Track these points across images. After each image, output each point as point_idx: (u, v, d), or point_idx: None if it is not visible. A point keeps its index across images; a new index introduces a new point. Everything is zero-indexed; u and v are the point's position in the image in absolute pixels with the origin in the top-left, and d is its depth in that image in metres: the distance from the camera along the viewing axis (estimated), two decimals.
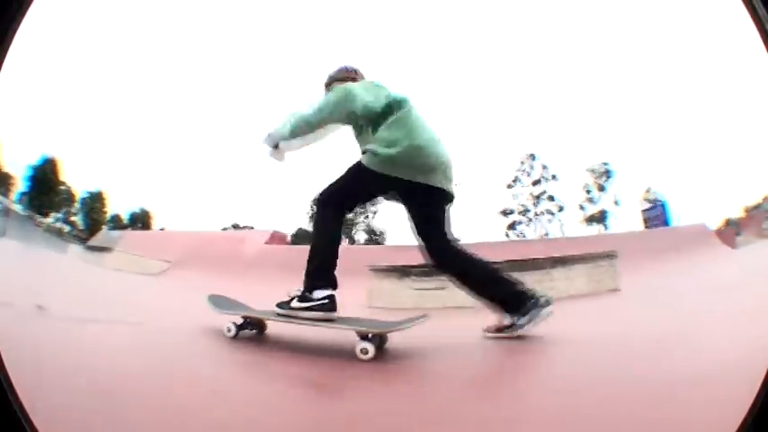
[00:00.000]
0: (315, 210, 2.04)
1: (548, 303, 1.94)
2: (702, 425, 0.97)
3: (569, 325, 2.24)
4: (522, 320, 1.90)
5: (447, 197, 2.04)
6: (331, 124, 2.10)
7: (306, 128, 2.08)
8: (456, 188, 2.04)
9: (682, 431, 0.98)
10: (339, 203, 2.01)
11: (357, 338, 1.68)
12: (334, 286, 1.90)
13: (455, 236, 2.11)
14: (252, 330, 2.00)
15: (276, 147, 2.15)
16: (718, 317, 2.20)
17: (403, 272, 4.53)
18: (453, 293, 2.45)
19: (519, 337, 1.93)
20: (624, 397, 1.22)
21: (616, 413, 1.11)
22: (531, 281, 2.29)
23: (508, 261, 3.96)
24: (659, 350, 1.66)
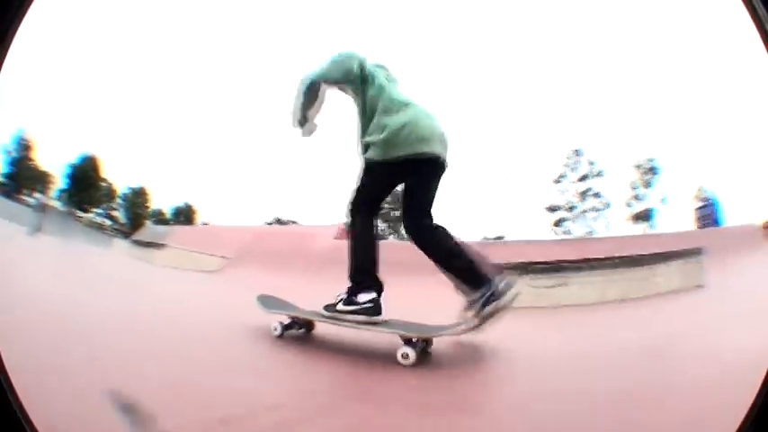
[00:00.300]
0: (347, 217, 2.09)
1: (508, 286, 1.79)
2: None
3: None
4: (475, 296, 1.76)
5: (442, 167, 2.03)
6: (333, 83, 2.12)
7: (314, 87, 2.10)
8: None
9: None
10: (365, 206, 2.05)
11: (400, 342, 1.66)
12: (379, 288, 1.93)
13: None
14: (300, 330, 2.06)
15: (304, 122, 2.16)
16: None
17: (523, 269, 4.34)
18: (570, 292, 2.41)
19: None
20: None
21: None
22: (636, 277, 2.23)
23: (613, 258, 3.97)
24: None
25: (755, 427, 0.62)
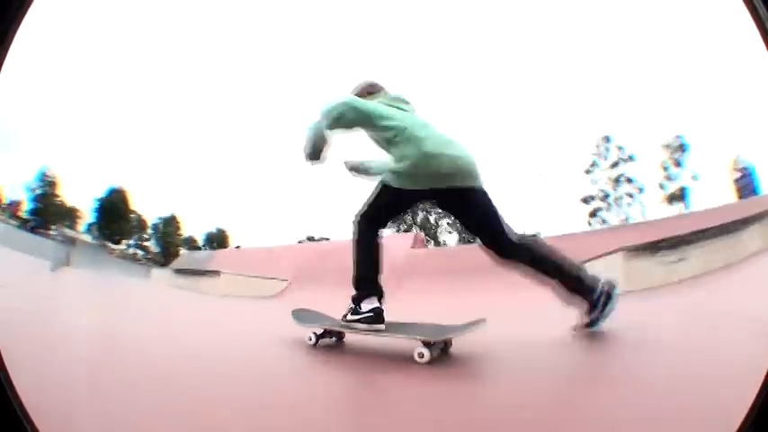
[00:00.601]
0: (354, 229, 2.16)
1: (612, 285, 1.95)
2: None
3: None
4: (593, 315, 1.94)
5: (478, 193, 2.01)
6: (336, 130, 2.10)
7: (317, 137, 2.09)
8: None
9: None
10: (373, 222, 2.13)
11: (418, 343, 1.72)
12: (380, 295, 2.03)
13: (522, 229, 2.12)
14: (332, 338, 2.21)
15: (315, 159, 2.15)
16: None
17: (653, 248, 4.58)
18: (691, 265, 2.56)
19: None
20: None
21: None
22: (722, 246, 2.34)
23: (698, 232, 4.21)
24: None
25: (755, 427, 0.62)
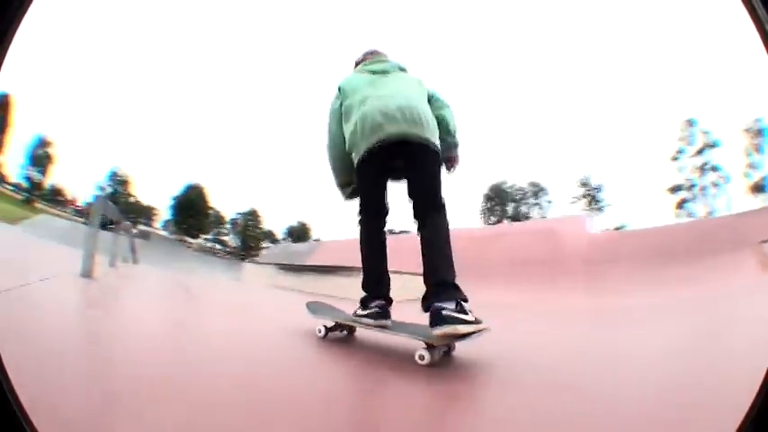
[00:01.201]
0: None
1: (439, 310, 1.58)
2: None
3: None
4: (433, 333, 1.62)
5: (423, 148, 1.83)
6: (340, 126, 2.09)
7: (334, 161, 2.15)
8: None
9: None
10: (365, 213, 2.06)
11: (421, 344, 1.66)
12: (385, 294, 1.97)
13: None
14: (342, 332, 2.20)
15: (346, 186, 2.21)
16: None
17: None
18: None
19: None
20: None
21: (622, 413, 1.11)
22: None
23: None
24: None
25: (755, 427, 0.62)
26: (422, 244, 1.77)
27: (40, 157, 36.46)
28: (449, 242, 1.74)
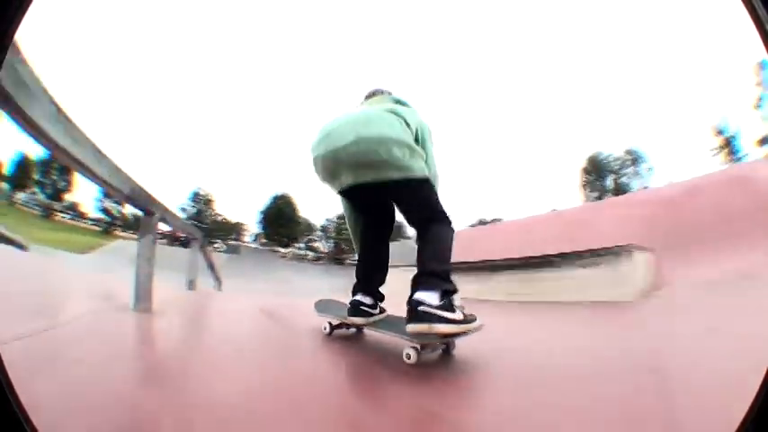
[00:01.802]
0: None
1: (417, 304, 1.42)
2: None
3: None
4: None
5: (392, 186, 1.60)
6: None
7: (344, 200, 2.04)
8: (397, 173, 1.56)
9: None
10: (353, 232, 2.08)
11: (408, 343, 1.54)
12: (364, 290, 1.91)
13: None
14: (349, 329, 2.16)
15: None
16: None
17: None
18: None
19: None
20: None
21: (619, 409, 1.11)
22: None
23: None
24: None
25: (755, 427, 0.62)
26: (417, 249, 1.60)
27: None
28: (447, 244, 1.58)
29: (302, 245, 40.57)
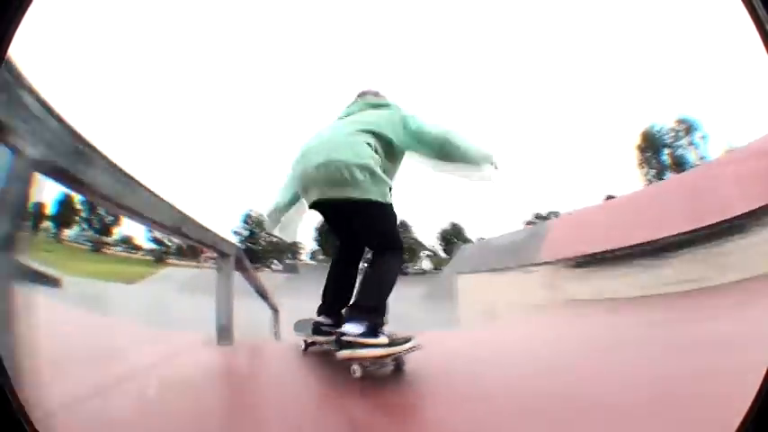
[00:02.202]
0: None
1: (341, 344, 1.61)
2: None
3: None
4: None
5: (352, 206, 1.73)
6: None
7: None
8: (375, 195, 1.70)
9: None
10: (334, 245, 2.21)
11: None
12: (320, 312, 2.04)
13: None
14: (322, 346, 2.12)
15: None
16: None
17: None
18: None
19: None
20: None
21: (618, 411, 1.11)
22: None
23: None
24: None
25: (755, 427, 0.62)
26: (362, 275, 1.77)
27: None
28: (390, 277, 1.71)
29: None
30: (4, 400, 0.65)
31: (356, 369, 1.60)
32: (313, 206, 1.89)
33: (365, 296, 1.69)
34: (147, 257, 38.42)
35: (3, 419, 0.64)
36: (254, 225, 38.00)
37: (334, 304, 1.98)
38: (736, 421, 0.63)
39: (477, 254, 16.36)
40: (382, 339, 1.58)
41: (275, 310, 5.15)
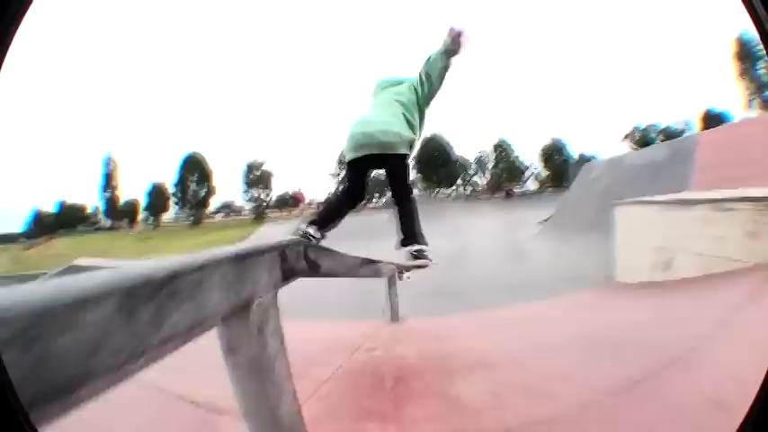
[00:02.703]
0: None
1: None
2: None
3: None
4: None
5: (385, 159, 2.34)
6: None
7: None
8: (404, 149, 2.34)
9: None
10: (340, 184, 2.96)
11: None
12: (310, 224, 2.34)
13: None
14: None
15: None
16: None
17: None
18: None
19: None
20: None
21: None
22: None
23: None
24: None
25: (755, 427, 0.62)
26: (398, 215, 2.41)
27: (257, 180, 42.55)
28: (414, 215, 2.39)
29: (460, 182, 40.77)
30: (4, 400, 0.65)
31: (409, 275, 2.53)
32: (357, 159, 2.34)
33: (418, 227, 2.39)
34: (246, 217, 41.01)
35: (3, 419, 0.64)
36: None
37: (323, 227, 2.38)
38: (736, 421, 0.63)
39: (607, 174, 13.68)
40: (427, 255, 2.34)
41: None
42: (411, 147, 2.40)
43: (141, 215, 41.79)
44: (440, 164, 38.31)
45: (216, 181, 41.52)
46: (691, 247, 4.02)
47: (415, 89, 2.48)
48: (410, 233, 2.35)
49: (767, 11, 0.67)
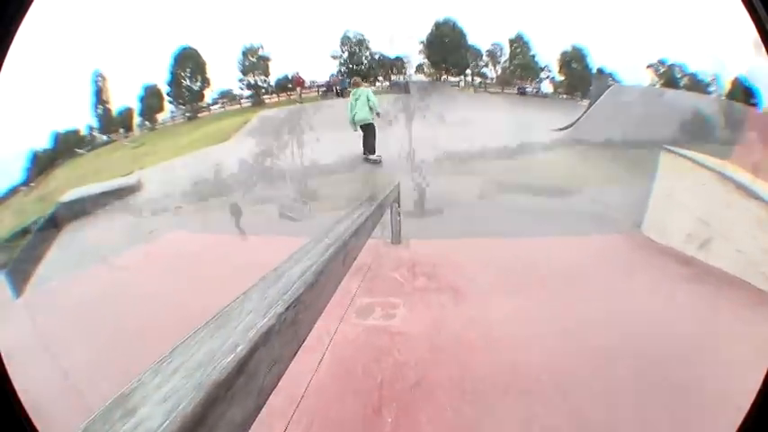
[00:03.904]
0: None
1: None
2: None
3: None
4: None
5: (369, 125, 6.23)
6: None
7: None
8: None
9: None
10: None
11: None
12: (366, 152, 6.42)
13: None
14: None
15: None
16: None
17: None
18: None
19: None
20: None
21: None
22: None
23: None
24: None
25: (755, 427, 0.62)
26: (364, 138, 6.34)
27: (253, 66, 39.53)
28: (373, 139, 6.33)
29: (469, 72, 39.00)
30: (4, 400, 0.65)
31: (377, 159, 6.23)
32: (357, 125, 6.17)
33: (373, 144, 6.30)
34: (245, 105, 39.41)
35: (3, 419, 0.64)
36: (352, 45, 35.57)
37: (369, 150, 6.26)
38: (737, 421, 0.63)
39: (645, 104, 9.35)
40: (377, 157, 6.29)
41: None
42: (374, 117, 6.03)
43: (137, 120, 39.19)
44: (450, 49, 35.63)
45: (210, 72, 38.63)
46: (736, 241, 3.39)
47: (368, 99, 6.12)
48: (371, 149, 6.09)
49: (767, 11, 0.67)
